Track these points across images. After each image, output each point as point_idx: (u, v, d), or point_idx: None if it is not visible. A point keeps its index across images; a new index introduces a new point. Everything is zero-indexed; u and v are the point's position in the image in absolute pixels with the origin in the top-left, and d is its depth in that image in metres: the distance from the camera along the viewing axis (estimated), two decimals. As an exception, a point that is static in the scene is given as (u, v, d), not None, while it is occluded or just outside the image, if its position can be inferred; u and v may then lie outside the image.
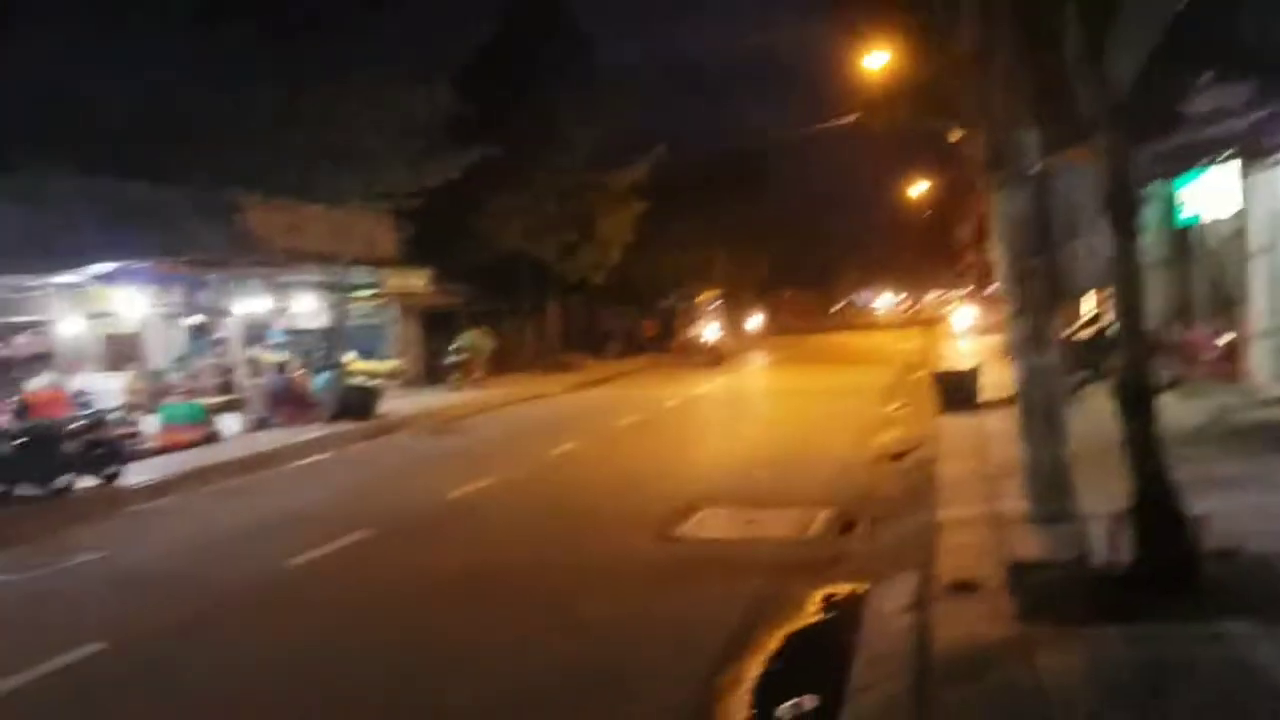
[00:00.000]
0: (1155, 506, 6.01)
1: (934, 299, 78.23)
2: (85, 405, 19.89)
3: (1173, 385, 15.93)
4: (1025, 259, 7.94)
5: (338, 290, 21.16)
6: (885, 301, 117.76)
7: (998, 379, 17.84)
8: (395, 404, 22.62)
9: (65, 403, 16.97)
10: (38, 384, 17.27)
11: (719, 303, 46.90)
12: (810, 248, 66.54)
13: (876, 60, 17.24)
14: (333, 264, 20.59)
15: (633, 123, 31.02)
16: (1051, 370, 8.03)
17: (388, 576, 8.54)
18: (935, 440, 12.62)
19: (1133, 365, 6.02)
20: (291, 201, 20.22)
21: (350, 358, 24.26)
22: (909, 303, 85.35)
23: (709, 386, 24.75)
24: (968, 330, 37.67)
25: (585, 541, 9.38)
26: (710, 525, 9.66)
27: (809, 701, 5.35)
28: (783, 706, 5.32)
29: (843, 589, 7.41)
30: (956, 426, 13.44)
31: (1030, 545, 7.28)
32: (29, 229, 16.98)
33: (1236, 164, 13.49)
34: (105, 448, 13.23)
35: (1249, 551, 6.57)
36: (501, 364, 30.97)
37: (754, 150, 44.76)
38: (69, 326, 18.89)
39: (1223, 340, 16.56)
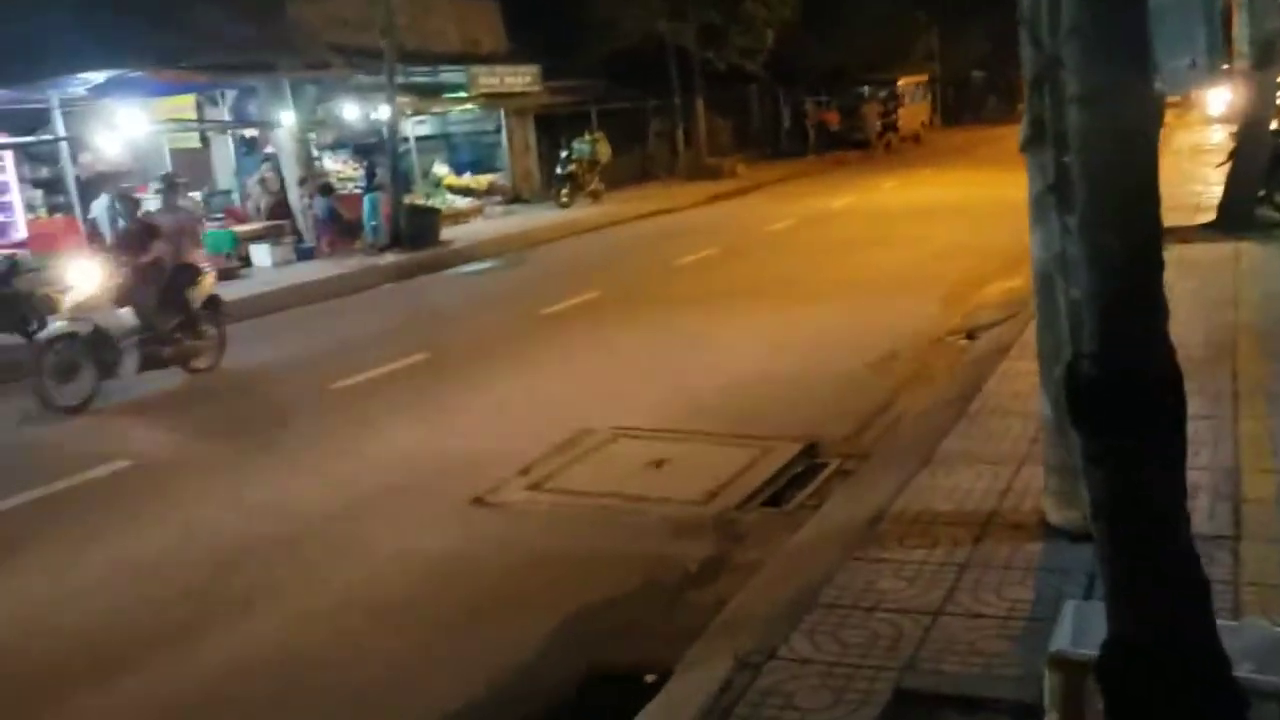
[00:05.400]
0: (1158, 662, 2.38)
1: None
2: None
3: None
4: (1049, 38, 3.98)
5: (404, 93, 18.28)
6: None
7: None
8: (480, 226, 19.95)
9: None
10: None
11: (923, 90, 40.84)
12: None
13: None
14: (390, 61, 17.63)
15: None
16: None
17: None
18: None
19: (1108, 333, 2.27)
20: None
21: (443, 172, 21.69)
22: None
23: (847, 200, 20.49)
24: (1224, 116, 30.31)
25: (393, 497, 6.21)
26: (591, 470, 6.37)
27: None
28: None
29: (629, 666, 4.13)
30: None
31: (984, 622, 3.70)
32: (26, 34, 14.92)
33: None
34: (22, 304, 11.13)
35: None
36: (646, 172, 27.51)
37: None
38: (108, 143, 17.01)
39: None
